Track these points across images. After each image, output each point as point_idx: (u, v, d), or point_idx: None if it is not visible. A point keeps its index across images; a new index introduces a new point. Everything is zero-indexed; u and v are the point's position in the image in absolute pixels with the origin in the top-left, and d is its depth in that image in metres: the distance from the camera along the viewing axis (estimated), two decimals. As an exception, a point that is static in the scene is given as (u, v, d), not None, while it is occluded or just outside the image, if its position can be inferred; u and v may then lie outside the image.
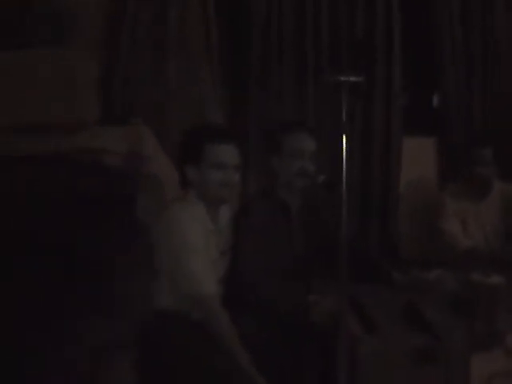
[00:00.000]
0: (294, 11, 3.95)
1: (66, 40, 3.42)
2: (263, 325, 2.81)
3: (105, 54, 3.78)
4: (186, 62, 3.81)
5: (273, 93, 3.97)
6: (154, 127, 3.58)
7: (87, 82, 3.39)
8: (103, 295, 0.71)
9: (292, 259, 3.12)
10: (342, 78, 2.16)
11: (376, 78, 4.03)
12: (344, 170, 2.19)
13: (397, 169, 4.18)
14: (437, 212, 3.99)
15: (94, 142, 3.32)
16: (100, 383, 0.74)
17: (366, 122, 4.08)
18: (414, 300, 2.86)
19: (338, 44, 3.92)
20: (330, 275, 2.67)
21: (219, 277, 2.90)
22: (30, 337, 0.69)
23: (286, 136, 3.18)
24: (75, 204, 0.72)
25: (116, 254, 0.72)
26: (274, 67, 3.97)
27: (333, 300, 2.75)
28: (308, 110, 3.94)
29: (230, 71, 4.00)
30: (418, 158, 4.35)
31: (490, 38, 4.23)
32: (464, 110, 4.32)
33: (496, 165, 3.88)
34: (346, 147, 2.18)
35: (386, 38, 4.05)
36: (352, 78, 2.17)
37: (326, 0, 3.96)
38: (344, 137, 2.19)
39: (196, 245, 2.74)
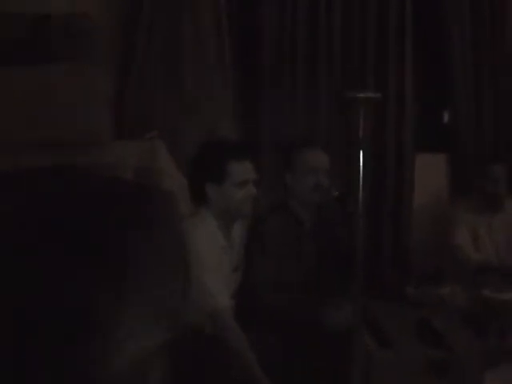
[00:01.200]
0: (307, 21, 3.97)
1: (80, 55, 3.45)
2: (277, 338, 2.82)
3: (120, 68, 3.81)
4: (200, 76, 3.84)
5: (285, 105, 3.98)
6: (167, 141, 3.59)
7: (102, 97, 3.42)
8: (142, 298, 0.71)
9: (305, 273, 3.13)
10: (360, 95, 2.18)
11: (388, 93, 4.04)
12: (360, 185, 2.20)
13: (409, 184, 4.19)
14: (448, 227, 4.00)
15: (108, 156, 3.34)
16: None
17: (379, 136, 4.09)
18: (426, 314, 2.86)
19: (350, 56, 3.94)
20: (343, 289, 2.68)
21: (232, 292, 2.91)
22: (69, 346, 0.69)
23: (300, 153, 3.20)
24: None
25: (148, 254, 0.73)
26: (286, 79, 3.99)
27: (347, 313, 2.76)
28: (320, 124, 3.95)
29: (242, 84, 4.02)
30: (429, 173, 4.36)
31: (501, 52, 4.25)
32: (475, 125, 4.33)
33: (508, 181, 3.89)
34: (363, 162, 2.20)
35: (398, 50, 4.05)
36: (369, 95, 2.19)
37: (338, 11, 3.96)
38: (361, 152, 2.21)
39: (209, 261, 2.75)
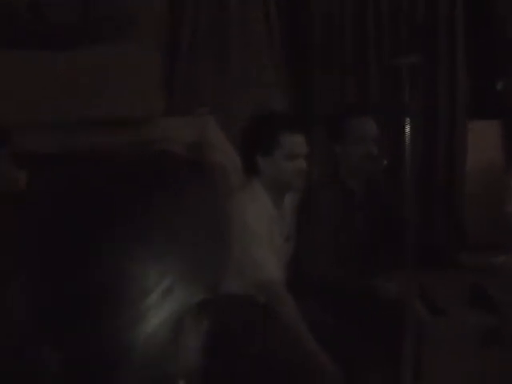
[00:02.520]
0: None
1: (129, 36, 3.50)
2: (328, 309, 2.84)
3: (169, 46, 3.85)
4: (248, 49, 3.84)
5: (335, 77, 3.95)
6: (218, 116, 3.63)
7: (152, 76, 3.48)
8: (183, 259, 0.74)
9: (356, 244, 3.13)
10: (402, 60, 2.16)
11: (439, 59, 3.97)
12: (407, 152, 2.19)
13: (462, 152, 4.13)
14: (503, 195, 3.93)
15: (160, 132, 3.40)
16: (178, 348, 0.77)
17: (429, 104, 4.03)
18: (481, 281, 2.84)
19: (398, 25, 3.89)
20: (394, 259, 2.68)
21: (284, 262, 2.93)
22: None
23: (349, 121, 3.18)
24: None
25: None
26: (335, 50, 3.96)
27: (399, 283, 2.76)
28: (370, 93, 3.92)
29: (291, 57, 4.01)
30: (483, 141, 4.28)
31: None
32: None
33: None
34: (409, 129, 2.18)
35: (448, 18, 3.98)
36: (411, 59, 2.17)
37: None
38: (407, 119, 2.20)
39: (259, 233, 2.78)
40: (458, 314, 2.62)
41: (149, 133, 3.41)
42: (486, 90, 4.58)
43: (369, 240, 3.15)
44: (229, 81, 3.83)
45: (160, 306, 0.81)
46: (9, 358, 0.88)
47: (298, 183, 2.89)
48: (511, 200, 3.87)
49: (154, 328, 0.81)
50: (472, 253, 3.09)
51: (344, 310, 2.83)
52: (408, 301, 2.24)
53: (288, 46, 3.98)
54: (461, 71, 4.06)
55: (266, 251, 2.75)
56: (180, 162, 0.96)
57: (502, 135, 4.39)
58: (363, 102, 3.86)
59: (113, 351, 0.81)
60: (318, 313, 2.82)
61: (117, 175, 0.89)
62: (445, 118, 4.06)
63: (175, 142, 3.40)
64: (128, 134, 3.34)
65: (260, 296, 2.77)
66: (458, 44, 4.01)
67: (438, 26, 3.96)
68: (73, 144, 3.25)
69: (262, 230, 2.80)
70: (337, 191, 3.17)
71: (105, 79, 3.40)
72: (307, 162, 2.90)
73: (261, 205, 2.86)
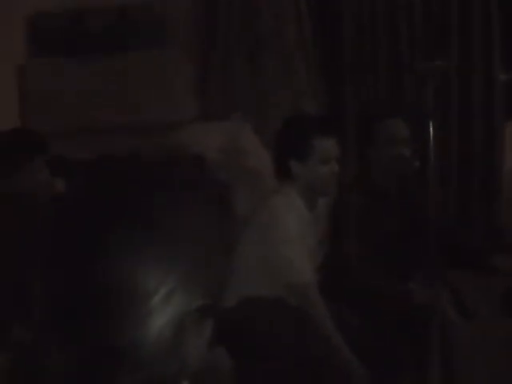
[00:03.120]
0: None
1: (163, 43, 3.56)
2: (360, 312, 2.84)
3: (202, 51, 3.89)
4: (280, 52, 3.86)
5: (367, 80, 3.94)
6: (252, 121, 3.66)
7: (185, 82, 3.53)
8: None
9: (389, 246, 3.12)
10: (427, 63, 2.16)
11: (473, 58, 3.91)
12: (432, 156, 2.19)
13: (499, 151, 4.06)
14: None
15: (194, 138, 3.45)
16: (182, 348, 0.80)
17: (465, 105, 3.97)
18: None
19: (430, 30, 3.86)
20: (426, 261, 2.66)
21: (317, 264, 2.94)
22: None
23: (380, 123, 3.17)
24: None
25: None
26: (367, 55, 3.94)
27: (430, 286, 2.74)
28: (402, 95, 3.89)
29: (323, 61, 4.01)
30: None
31: None
32: None
33: None
34: (433, 132, 2.18)
35: (483, 15, 3.91)
36: (437, 63, 2.16)
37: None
38: (431, 122, 2.19)
39: (293, 235, 2.80)
40: (489, 318, 2.59)
41: (183, 138, 3.46)
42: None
43: (402, 242, 3.13)
44: (261, 85, 3.86)
45: (162, 308, 0.85)
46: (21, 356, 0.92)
47: (331, 186, 2.91)
48: None
49: (158, 329, 0.84)
50: (507, 256, 3.04)
51: (376, 314, 2.83)
52: (436, 303, 2.23)
53: (319, 48, 3.98)
54: (497, 70, 3.99)
55: (298, 254, 2.78)
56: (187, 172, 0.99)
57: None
58: (394, 104, 3.83)
59: (118, 351, 0.85)
60: (349, 315, 2.82)
61: (144, 179, 0.92)
62: (481, 118, 4.00)
63: (208, 147, 3.44)
64: (162, 140, 3.40)
65: (291, 298, 2.79)
66: (495, 43, 3.95)
67: (473, 25, 3.90)
68: (108, 150, 3.32)
69: (296, 233, 2.83)
70: (369, 194, 3.17)
71: (138, 85, 3.47)
72: (339, 164, 2.91)
73: (294, 208, 2.88)
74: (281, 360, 2.59)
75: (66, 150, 3.32)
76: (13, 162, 2.78)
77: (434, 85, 2.15)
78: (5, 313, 2.18)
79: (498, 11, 3.95)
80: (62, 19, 3.59)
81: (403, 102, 3.78)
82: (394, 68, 3.85)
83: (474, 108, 3.96)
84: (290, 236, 2.80)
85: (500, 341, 2.49)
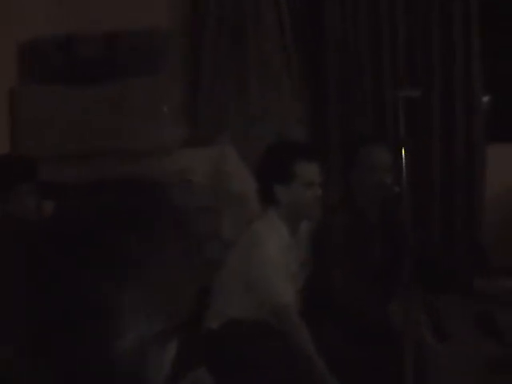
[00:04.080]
0: (369, 25, 3.98)
1: (151, 69, 3.64)
2: (341, 333, 2.89)
3: (188, 79, 3.98)
4: (266, 78, 3.94)
5: (352, 107, 4.01)
6: (237, 145, 3.73)
7: (173, 108, 3.60)
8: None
9: (372, 269, 3.18)
10: (400, 93, 2.23)
11: (454, 83, 3.98)
12: (404, 183, 2.25)
13: (481, 175, 4.12)
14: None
15: (180, 163, 3.52)
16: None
17: (447, 129, 4.03)
18: (491, 308, 2.84)
19: (414, 57, 3.94)
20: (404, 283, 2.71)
21: (298, 288, 3.00)
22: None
23: (363, 149, 3.24)
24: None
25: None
26: (352, 81, 4.02)
27: (408, 308, 2.79)
28: (387, 123, 3.96)
29: (309, 86, 4.09)
30: (504, 164, 4.25)
31: None
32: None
33: None
34: (406, 161, 2.25)
35: (463, 35, 3.98)
36: (409, 93, 2.24)
37: (401, 8, 3.95)
38: (403, 150, 2.26)
39: (275, 259, 2.85)
40: (465, 340, 2.64)
41: (170, 163, 3.53)
42: (509, 112, 4.56)
43: (383, 265, 3.19)
44: (248, 110, 3.93)
45: (127, 329, 0.91)
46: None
47: (315, 210, 2.96)
48: None
49: (122, 350, 0.91)
50: (487, 278, 3.09)
51: (356, 335, 2.88)
52: (407, 326, 2.29)
53: (305, 76, 4.06)
54: (479, 93, 4.06)
55: (279, 276, 2.82)
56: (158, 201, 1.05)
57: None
58: (377, 131, 3.90)
59: (95, 362, 0.90)
60: (330, 337, 2.87)
61: (131, 207, 0.99)
62: (462, 141, 4.06)
63: (195, 171, 3.51)
64: (150, 165, 3.47)
65: (273, 321, 2.84)
66: (474, 65, 4.01)
67: (455, 48, 3.97)
68: (97, 175, 3.40)
69: (278, 257, 2.87)
70: (351, 217, 3.22)
71: (127, 111, 3.54)
72: (322, 189, 2.96)
73: (277, 233, 2.93)
74: (262, 379, 2.64)
75: (55, 174, 3.40)
76: (3, 185, 2.85)
77: (406, 112, 2.22)
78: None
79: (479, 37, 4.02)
80: (52, 46, 3.67)
81: (385, 128, 3.85)
82: (377, 96, 3.93)
83: (456, 131, 4.02)
84: (271, 259, 2.85)
85: (475, 362, 2.53)
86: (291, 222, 2.98)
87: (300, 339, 2.74)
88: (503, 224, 4.12)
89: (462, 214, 3.98)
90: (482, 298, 3.00)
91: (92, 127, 3.55)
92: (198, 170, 3.53)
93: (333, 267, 3.09)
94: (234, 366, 2.70)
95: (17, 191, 2.85)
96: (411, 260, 2.37)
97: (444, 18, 3.94)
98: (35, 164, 2.97)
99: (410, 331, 2.31)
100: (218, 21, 3.88)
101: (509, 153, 4.28)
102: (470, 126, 4.02)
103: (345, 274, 3.06)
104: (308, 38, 4.04)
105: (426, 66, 3.96)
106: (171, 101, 3.63)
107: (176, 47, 3.92)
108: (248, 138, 3.90)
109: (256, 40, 3.88)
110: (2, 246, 2.68)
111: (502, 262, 3.68)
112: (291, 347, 2.74)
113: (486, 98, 4.18)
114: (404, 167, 2.23)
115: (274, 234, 2.91)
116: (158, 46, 3.68)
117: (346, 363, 2.78)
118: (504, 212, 4.18)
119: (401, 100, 2.22)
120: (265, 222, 2.95)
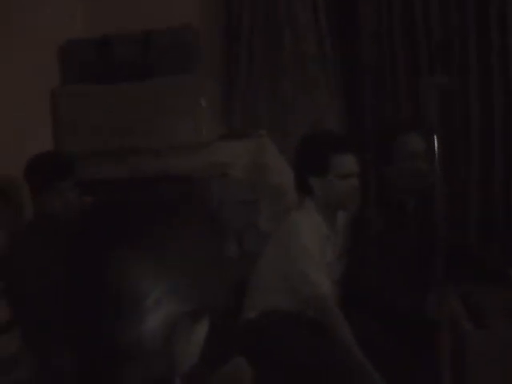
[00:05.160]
0: (403, 12, 3.95)
1: (187, 68, 3.68)
2: (377, 325, 2.89)
3: (225, 73, 4.02)
4: (300, 71, 3.96)
5: (387, 96, 3.99)
6: (275, 138, 3.75)
7: (210, 105, 3.65)
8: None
9: (408, 259, 3.17)
10: (429, 80, 2.22)
11: (490, 71, 3.91)
12: (437, 170, 2.25)
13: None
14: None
15: (218, 157, 3.57)
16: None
17: (486, 121, 3.96)
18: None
19: (449, 44, 3.88)
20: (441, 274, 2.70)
21: (335, 279, 3.01)
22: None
23: (397, 138, 3.23)
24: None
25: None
26: (386, 70, 4.00)
27: (445, 299, 2.78)
28: (421, 111, 3.92)
29: (343, 78, 4.09)
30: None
31: None
32: None
33: None
34: (438, 148, 2.24)
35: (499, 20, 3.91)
36: (439, 80, 2.23)
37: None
38: (435, 138, 2.25)
39: (312, 250, 2.87)
40: (504, 328, 2.61)
41: (209, 157, 3.58)
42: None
43: (419, 255, 3.18)
44: (284, 103, 3.95)
45: (154, 311, 0.95)
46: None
47: (351, 202, 2.96)
48: None
49: (151, 330, 0.95)
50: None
51: (393, 327, 2.87)
52: (443, 315, 2.28)
53: (340, 66, 4.06)
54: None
55: (317, 268, 2.84)
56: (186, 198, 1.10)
57: None
58: (411, 119, 3.87)
59: (116, 350, 0.95)
60: (367, 328, 2.87)
61: (161, 202, 1.03)
62: (500, 129, 3.98)
63: (233, 165, 3.55)
64: (189, 160, 3.52)
65: (310, 311, 2.86)
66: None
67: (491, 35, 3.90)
68: (134, 171, 3.47)
69: (315, 248, 2.89)
70: (387, 209, 3.22)
71: (164, 108, 3.59)
72: (359, 180, 2.97)
73: (314, 224, 2.94)
74: (300, 369, 2.66)
75: (94, 171, 3.48)
76: (45, 182, 2.93)
77: (437, 99, 2.21)
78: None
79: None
80: (90, 47, 3.74)
81: (418, 116, 3.82)
82: (411, 84, 3.89)
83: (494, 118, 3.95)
84: (307, 249, 2.87)
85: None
86: (328, 213, 2.99)
87: (338, 329, 2.76)
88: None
89: (499, 202, 3.92)
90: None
91: (130, 125, 3.62)
92: (237, 164, 3.57)
93: (369, 258, 3.09)
94: (272, 355, 2.72)
95: (57, 188, 2.92)
96: (446, 249, 2.36)
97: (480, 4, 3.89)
98: (75, 161, 3.04)
99: (445, 321, 2.30)
100: (252, 19, 3.92)
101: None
102: (508, 113, 3.95)
103: (381, 266, 3.06)
104: (342, 29, 4.03)
105: (462, 53, 3.91)
106: (208, 96, 3.67)
107: (214, 45, 3.98)
108: (284, 130, 3.92)
109: (291, 34, 3.90)
110: (44, 242, 2.75)
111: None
112: (329, 337, 2.75)
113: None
114: (437, 155, 2.22)
115: (311, 224, 2.93)
116: (194, 45, 3.72)
117: (383, 354, 2.78)
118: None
119: (433, 87, 2.21)
120: (302, 213, 2.96)
